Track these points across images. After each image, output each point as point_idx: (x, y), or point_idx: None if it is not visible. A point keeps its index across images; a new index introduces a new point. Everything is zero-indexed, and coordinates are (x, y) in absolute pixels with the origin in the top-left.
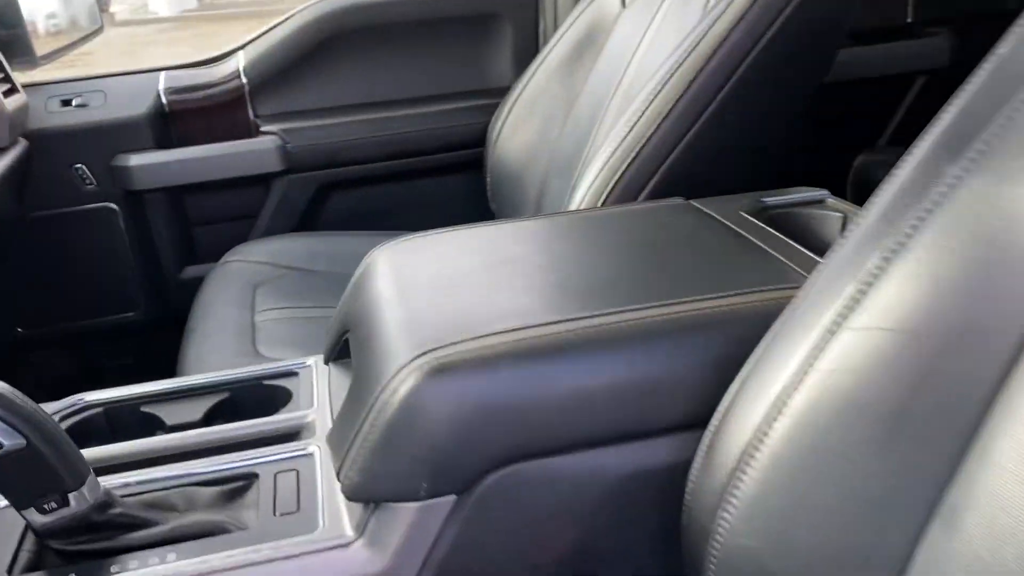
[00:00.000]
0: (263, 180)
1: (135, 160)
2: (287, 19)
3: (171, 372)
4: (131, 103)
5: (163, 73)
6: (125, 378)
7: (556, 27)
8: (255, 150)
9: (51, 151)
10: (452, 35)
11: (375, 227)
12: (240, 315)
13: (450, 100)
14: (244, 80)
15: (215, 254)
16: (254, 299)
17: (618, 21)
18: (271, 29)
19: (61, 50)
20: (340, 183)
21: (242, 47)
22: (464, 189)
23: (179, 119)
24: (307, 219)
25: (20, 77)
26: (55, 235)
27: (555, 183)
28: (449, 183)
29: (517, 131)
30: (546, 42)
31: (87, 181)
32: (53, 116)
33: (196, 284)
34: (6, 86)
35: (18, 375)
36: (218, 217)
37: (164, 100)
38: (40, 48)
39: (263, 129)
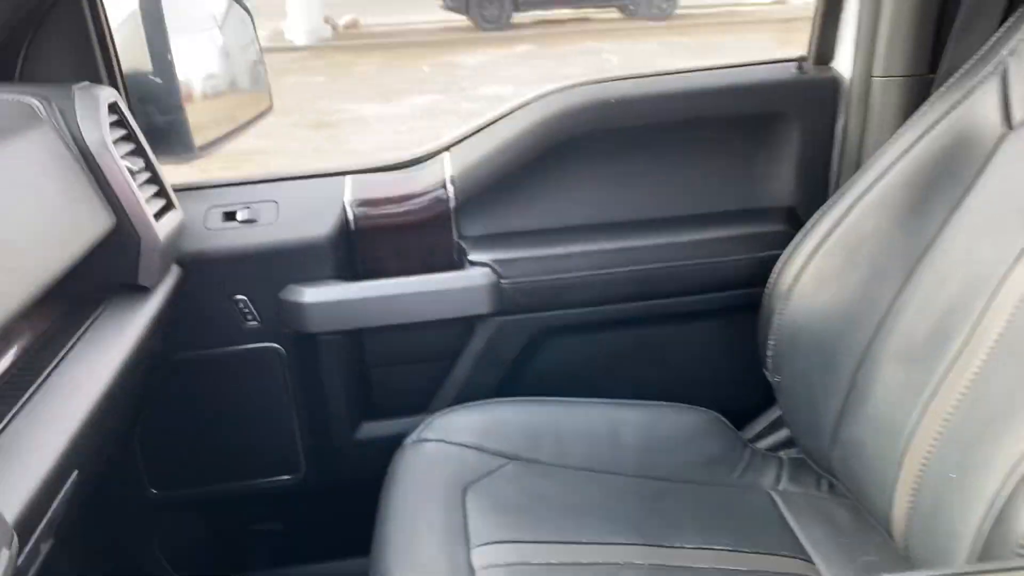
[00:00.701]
0: (466, 320)
1: (311, 295)
2: (504, 116)
3: (331, 549)
4: (310, 218)
5: (349, 178)
6: (273, 549)
7: (863, 135)
8: (461, 287)
9: (208, 280)
10: (716, 139)
11: (603, 386)
12: (452, 552)
13: (711, 224)
14: (450, 192)
15: (398, 409)
16: (466, 517)
17: (1003, 148)
18: (483, 128)
19: (223, 138)
20: (562, 328)
21: (447, 147)
22: (723, 341)
23: (367, 239)
24: (517, 370)
25: (173, 174)
26: (204, 380)
27: (892, 371)
28: (703, 333)
29: (824, 283)
30: (850, 154)
31: (249, 317)
32: (213, 235)
33: (372, 447)
34: (160, 203)
35: (148, 543)
36: (405, 361)
37: (350, 215)
38: (196, 116)
39: (471, 258)
